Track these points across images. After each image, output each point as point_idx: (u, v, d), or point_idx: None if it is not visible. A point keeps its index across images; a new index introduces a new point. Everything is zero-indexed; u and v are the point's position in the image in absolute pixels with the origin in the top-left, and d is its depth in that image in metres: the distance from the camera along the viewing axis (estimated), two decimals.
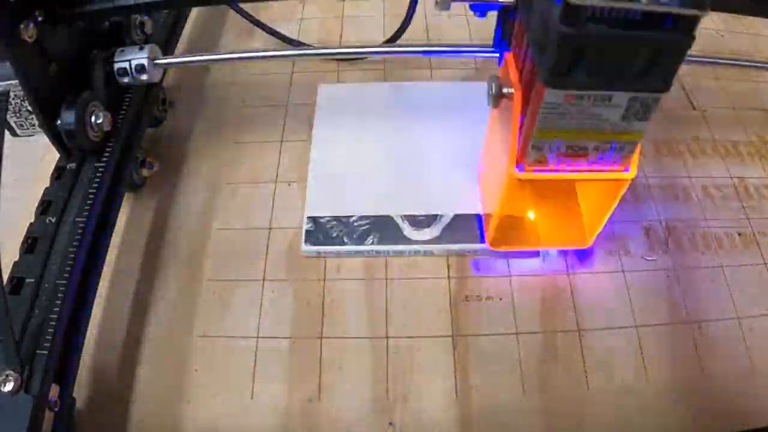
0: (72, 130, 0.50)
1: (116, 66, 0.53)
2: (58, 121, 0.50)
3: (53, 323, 0.43)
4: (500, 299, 0.55)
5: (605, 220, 0.52)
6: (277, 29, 0.76)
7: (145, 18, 0.60)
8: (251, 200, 0.62)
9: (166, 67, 0.57)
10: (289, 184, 0.63)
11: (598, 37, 0.35)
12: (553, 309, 0.55)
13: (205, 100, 0.72)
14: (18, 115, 0.52)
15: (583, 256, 0.58)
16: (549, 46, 0.36)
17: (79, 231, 0.48)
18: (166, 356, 0.53)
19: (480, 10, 0.49)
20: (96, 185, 0.51)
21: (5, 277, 0.45)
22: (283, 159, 0.66)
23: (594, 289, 0.56)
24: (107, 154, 0.54)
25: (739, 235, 0.61)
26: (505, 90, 0.44)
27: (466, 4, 0.49)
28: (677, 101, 0.73)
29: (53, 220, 0.49)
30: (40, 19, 0.47)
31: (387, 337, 0.53)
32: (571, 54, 0.36)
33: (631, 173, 0.45)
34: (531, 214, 0.56)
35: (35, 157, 0.65)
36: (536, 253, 0.58)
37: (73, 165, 0.52)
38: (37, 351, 0.42)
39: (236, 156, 0.66)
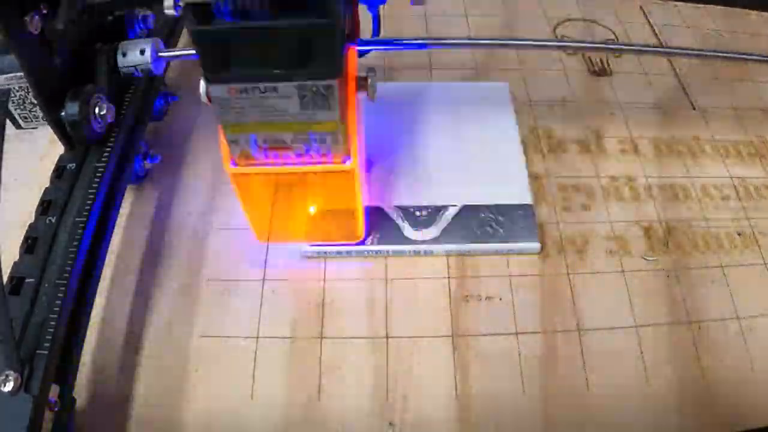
0: (76, 121, 0.50)
1: (122, 70, 0.54)
2: (62, 113, 0.50)
3: (53, 323, 0.43)
4: (500, 299, 0.55)
5: (360, 214, 0.53)
6: None
7: (148, 12, 0.60)
8: None
9: (168, 60, 0.57)
10: None
11: (229, 32, 0.36)
12: (553, 309, 0.55)
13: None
14: (22, 107, 0.53)
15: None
16: (196, 46, 0.37)
17: (79, 231, 0.48)
18: (166, 356, 0.53)
19: None
20: (96, 184, 0.51)
21: (5, 277, 0.45)
22: None
23: (594, 290, 0.56)
24: (110, 146, 0.54)
25: (739, 235, 0.61)
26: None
27: None
28: (677, 101, 0.73)
29: (53, 220, 0.49)
30: (45, 11, 0.47)
31: (387, 337, 0.53)
32: (212, 49, 0.37)
33: (352, 164, 0.46)
34: (312, 209, 0.54)
35: (35, 157, 0.65)
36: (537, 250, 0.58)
37: (72, 165, 0.52)
38: (37, 351, 0.42)
39: None
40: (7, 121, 0.52)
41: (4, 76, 0.50)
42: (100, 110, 0.52)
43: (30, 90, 0.50)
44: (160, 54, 0.54)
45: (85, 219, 0.49)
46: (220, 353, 0.52)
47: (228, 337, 0.53)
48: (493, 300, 0.55)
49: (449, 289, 0.56)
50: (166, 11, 0.40)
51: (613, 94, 0.73)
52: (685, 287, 0.57)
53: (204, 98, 0.43)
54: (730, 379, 0.52)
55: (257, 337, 0.53)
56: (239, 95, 0.40)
